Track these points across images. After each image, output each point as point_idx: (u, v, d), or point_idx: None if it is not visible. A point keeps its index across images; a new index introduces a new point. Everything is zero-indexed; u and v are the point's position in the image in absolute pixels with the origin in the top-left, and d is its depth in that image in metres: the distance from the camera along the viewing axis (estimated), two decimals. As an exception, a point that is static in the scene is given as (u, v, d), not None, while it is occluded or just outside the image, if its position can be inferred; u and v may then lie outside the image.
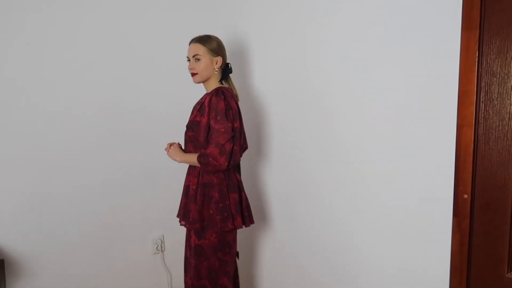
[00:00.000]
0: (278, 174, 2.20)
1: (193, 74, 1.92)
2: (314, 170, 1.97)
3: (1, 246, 2.03)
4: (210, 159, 1.77)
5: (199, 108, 1.91)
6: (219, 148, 1.76)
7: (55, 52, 2.10)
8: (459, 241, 1.42)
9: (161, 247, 2.57)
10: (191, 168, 1.97)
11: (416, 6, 1.48)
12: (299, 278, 2.12)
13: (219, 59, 1.92)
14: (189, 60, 1.94)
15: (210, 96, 1.87)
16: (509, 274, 1.32)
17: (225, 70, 1.98)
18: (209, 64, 1.90)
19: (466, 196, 1.39)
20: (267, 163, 2.26)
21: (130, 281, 2.47)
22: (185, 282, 2.00)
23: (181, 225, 2.00)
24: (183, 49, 2.08)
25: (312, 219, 2.02)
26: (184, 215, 1.95)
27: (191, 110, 2.04)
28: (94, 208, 2.30)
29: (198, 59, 1.88)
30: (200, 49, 1.88)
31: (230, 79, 2.03)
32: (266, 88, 2.23)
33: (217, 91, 1.87)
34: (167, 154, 2.01)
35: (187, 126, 1.96)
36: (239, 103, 1.97)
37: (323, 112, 1.90)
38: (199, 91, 2.12)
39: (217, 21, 2.50)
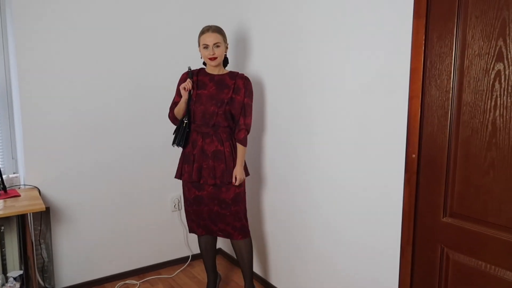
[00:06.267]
0: (271, 145, 2.56)
1: (213, 59, 2.27)
2: (296, 141, 2.34)
3: (47, 196, 2.50)
4: (247, 129, 2.32)
5: (234, 88, 2.29)
6: (251, 119, 2.34)
7: (97, 44, 2.53)
8: (408, 192, 1.73)
9: (178, 205, 3.00)
10: (207, 138, 2.28)
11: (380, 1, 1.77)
12: (288, 217, 2.49)
13: (228, 45, 2.36)
14: (205, 47, 2.27)
15: (242, 79, 2.31)
16: (444, 218, 1.62)
17: (225, 56, 2.39)
18: (224, 50, 2.32)
19: (414, 155, 1.69)
20: (264, 136, 2.61)
21: (153, 233, 2.93)
22: (222, 229, 2.38)
23: (210, 184, 2.29)
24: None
25: (292, 181, 2.41)
26: (214, 175, 2.27)
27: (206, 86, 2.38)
28: (124, 171, 2.76)
29: (218, 46, 2.27)
30: (219, 38, 2.27)
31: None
32: (262, 72, 2.58)
33: (242, 75, 2.34)
34: (238, 181, 2.29)
35: (222, 102, 2.26)
36: None
37: (302, 93, 2.25)
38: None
39: (222, 15, 2.87)
